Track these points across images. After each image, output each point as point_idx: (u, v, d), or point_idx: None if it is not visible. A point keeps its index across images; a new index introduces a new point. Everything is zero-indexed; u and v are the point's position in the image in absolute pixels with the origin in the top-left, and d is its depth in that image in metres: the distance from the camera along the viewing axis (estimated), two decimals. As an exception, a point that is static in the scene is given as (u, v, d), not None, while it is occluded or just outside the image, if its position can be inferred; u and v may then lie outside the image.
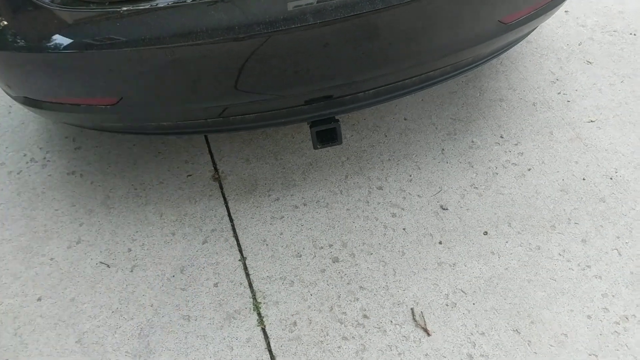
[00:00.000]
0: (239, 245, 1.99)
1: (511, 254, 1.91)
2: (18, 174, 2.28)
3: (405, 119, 2.35)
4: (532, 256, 1.90)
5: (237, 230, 2.03)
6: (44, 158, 2.33)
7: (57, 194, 2.19)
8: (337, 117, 1.92)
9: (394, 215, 2.04)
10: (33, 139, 2.41)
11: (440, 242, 1.95)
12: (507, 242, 1.95)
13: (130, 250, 2.00)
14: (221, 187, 2.18)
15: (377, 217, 2.03)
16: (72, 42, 1.55)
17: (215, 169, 2.24)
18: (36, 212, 2.14)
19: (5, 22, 1.59)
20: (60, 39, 1.56)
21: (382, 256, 1.92)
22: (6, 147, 2.38)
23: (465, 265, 1.89)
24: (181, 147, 2.33)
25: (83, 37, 1.55)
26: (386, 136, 2.30)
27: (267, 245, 1.98)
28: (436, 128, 2.31)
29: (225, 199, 2.14)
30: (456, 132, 2.29)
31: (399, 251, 1.93)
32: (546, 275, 1.86)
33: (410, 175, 2.15)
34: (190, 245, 2.00)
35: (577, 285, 1.84)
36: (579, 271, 1.87)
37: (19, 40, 1.58)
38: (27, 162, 2.32)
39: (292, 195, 2.13)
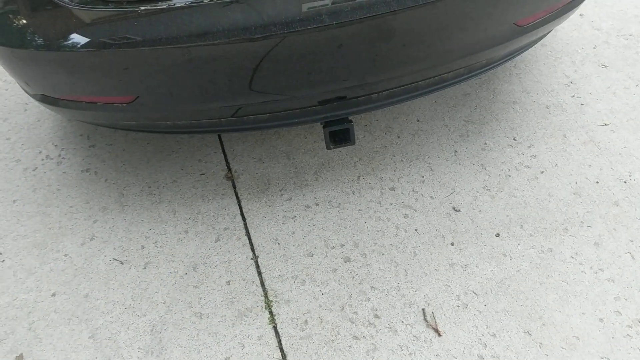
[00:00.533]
0: (251, 243, 2.01)
1: (523, 256, 1.91)
2: (33, 170, 2.30)
3: (418, 121, 2.36)
4: (544, 258, 1.90)
5: (249, 229, 2.05)
6: (59, 155, 2.36)
7: (72, 191, 2.22)
8: (350, 118, 1.93)
9: (406, 216, 2.04)
10: (48, 137, 2.44)
11: (452, 244, 1.95)
12: (519, 244, 1.94)
13: (143, 247, 2.02)
14: (234, 186, 2.19)
15: (389, 218, 2.04)
16: (90, 41, 1.56)
17: (229, 168, 2.26)
18: (51, 208, 2.16)
19: (25, 21, 1.62)
20: (78, 38, 1.57)
21: (394, 257, 1.93)
22: (22, 144, 2.41)
23: (477, 267, 1.89)
24: (195, 146, 2.35)
25: (101, 36, 1.57)
26: (399, 137, 2.30)
27: (279, 244, 2.00)
28: (449, 130, 2.32)
29: (238, 197, 2.15)
30: (469, 134, 2.29)
31: (410, 252, 1.94)
32: (558, 277, 1.85)
33: (423, 177, 2.16)
34: (203, 243, 2.01)
35: (589, 288, 1.83)
36: (591, 274, 1.87)
37: (37, 39, 1.60)
38: (42, 159, 2.34)
39: (304, 195, 2.14)
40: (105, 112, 1.83)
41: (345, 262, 1.93)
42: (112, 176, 2.26)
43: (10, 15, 1.62)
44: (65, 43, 1.58)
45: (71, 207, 2.16)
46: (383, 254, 1.94)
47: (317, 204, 2.10)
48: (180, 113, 1.85)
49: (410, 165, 2.20)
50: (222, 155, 2.31)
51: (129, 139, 2.40)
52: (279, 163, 2.26)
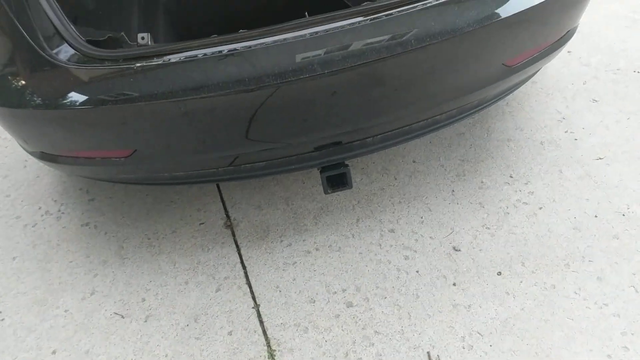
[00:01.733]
0: (252, 292, 1.99)
1: (526, 293, 1.90)
2: (33, 226, 2.31)
3: (414, 162, 2.38)
4: (548, 295, 1.89)
5: (250, 277, 2.04)
6: (59, 210, 2.37)
7: (72, 246, 2.22)
8: (346, 162, 1.95)
9: (406, 257, 2.04)
10: (48, 192, 2.45)
11: (454, 284, 1.94)
12: (521, 281, 1.93)
13: (144, 300, 2.01)
14: (233, 234, 2.19)
15: (390, 260, 2.03)
16: (87, 99, 1.59)
17: (228, 217, 2.26)
18: (51, 264, 2.16)
19: (24, 82, 1.65)
20: (76, 96, 1.60)
21: (397, 300, 1.92)
22: (22, 201, 2.42)
23: (480, 307, 1.88)
24: (193, 196, 2.36)
25: (98, 93, 1.60)
26: (396, 179, 2.32)
27: (280, 291, 1.98)
28: (445, 170, 2.33)
29: (237, 246, 2.15)
30: (465, 173, 2.31)
31: (413, 294, 1.93)
32: (563, 314, 1.84)
33: (422, 217, 2.16)
34: (203, 294, 2.00)
35: (595, 324, 1.81)
36: (596, 309, 1.85)
37: (36, 98, 1.63)
38: (42, 215, 2.35)
39: (304, 240, 2.14)
40: (103, 167, 1.84)
41: (348, 307, 1.91)
42: (111, 229, 2.26)
43: (9, 77, 1.66)
44: (64, 101, 1.60)
45: (71, 261, 2.16)
46: (385, 297, 1.92)
47: (317, 249, 2.10)
48: (178, 164, 1.86)
49: (408, 206, 2.20)
50: (221, 203, 2.32)
51: (128, 192, 2.41)
52: (277, 209, 2.27)
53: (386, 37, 1.61)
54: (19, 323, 1.97)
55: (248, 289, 2.00)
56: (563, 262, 1.98)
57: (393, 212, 2.19)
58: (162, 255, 2.15)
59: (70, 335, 1.93)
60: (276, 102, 1.64)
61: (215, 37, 1.66)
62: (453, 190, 2.25)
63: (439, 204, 2.20)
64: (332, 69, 1.59)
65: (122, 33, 1.71)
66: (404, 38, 1.61)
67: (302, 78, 1.58)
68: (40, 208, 2.38)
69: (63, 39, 1.60)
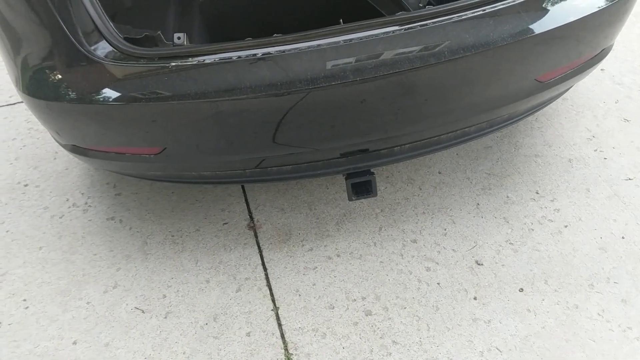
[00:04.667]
0: (272, 294, 2.00)
1: (548, 312, 1.88)
2: (60, 218, 2.35)
3: (439, 173, 2.37)
4: (570, 315, 1.86)
5: (270, 280, 2.05)
6: (85, 203, 2.40)
7: (97, 239, 2.25)
8: (372, 170, 1.95)
9: (428, 269, 2.03)
10: (76, 185, 2.49)
11: (475, 298, 1.93)
12: (543, 299, 1.91)
13: (165, 296, 2.03)
14: (256, 236, 2.21)
15: (411, 271, 2.02)
16: (121, 95, 1.62)
17: (251, 218, 2.28)
18: (75, 256, 2.19)
19: (60, 75, 1.68)
20: (110, 92, 1.63)
21: (416, 310, 1.91)
22: (50, 192, 2.47)
23: (500, 322, 1.86)
24: (218, 196, 2.38)
25: (132, 91, 1.62)
26: (420, 189, 2.31)
27: (299, 295, 1.99)
28: (471, 182, 2.32)
29: (259, 247, 2.16)
30: (491, 187, 2.29)
31: (433, 306, 1.92)
32: (585, 335, 1.81)
33: (445, 229, 2.15)
34: (224, 293, 2.02)
35: (618, 347, 1.78)
36: (619, 332, 1.82)
37: (72, 92, 1.66)
38: (69, 207, 2.39)
39: (325, 245, 2.14)
40: (133, 163, 1.87)
41: (367, 316, 1.91)
42: (136, 224, 2.29)
43: (46, 70, 1.69)
44: (98, 97, 1.63)
45: (95, 254, 2.19)
46: (405, 308, 1.92)
47: (338, 255, 2.10)
48: (206, 164, 1.88)
49: (432, 218, 2.19)
50: (245, 205, 2.34)
51: (154, 188, 2.44)
52: (300, 213, 2.27)
53: (420, 47, 1.62)
54: (42, 312, 2.01)
55: (268, 291, 2.01)
56: (587, 282, 1.95)
57: (416, 223, 2.18)
58: (185, 253, 2.17)
59: (91, 327, 1.95)
60: (306, 107, 1.65)
61: (249, 40, 1.68)
62: (478, 204, 2.23)
63: (463, 216, 2.19)
64: (364, 76, 1.59)
65: (159, 32, 1.73)
66: (438, 49, 1.61)
67: (333, 85, 1.59)
68: (67, 200, 2.42)
69: (102, 36, 1.63)
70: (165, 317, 1.96)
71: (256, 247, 2.17)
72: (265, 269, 2.09)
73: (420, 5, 2.24)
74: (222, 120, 1.67)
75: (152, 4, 2.25)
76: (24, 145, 2.72)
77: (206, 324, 1.93)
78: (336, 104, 1.66)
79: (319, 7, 2.41)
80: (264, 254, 2.14)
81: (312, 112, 1.67)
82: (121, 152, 1.83)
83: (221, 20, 2.42)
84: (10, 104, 3.00)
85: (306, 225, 2.22)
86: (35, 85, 1.69)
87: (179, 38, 1.73)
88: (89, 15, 1.64)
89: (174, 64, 1.61)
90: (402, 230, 2.16)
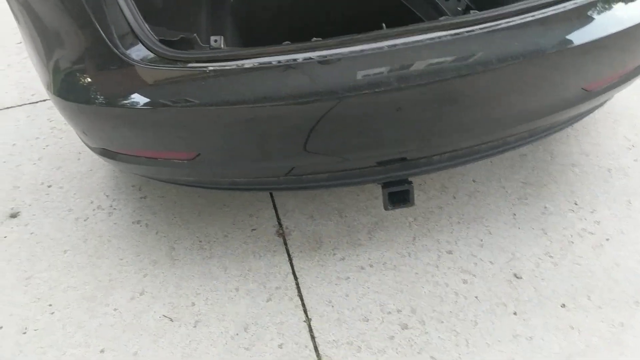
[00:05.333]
0: (303, 305, 1.95)
1: (592, 329, 1.81)
2: (85, 220, 2.30)
3: (474, 181, 2.30)
4: (616, 333, 1.80)
5: (301, 289, 1.99)
6: (110, 206, 2.36)
7: (122, 243, 2.20)
8: (410, 179, 1.89)
9: (465, 281, 1.96)
10: (100, 187, 2.45)
11: (514, 313, 1.86)
12: (586, 316, 1.84)
13: (193, 304, 1.98)
14: (285, 243, 2.15)
15: (448, 283, 1.96)
16: (158, 99, 1.57)
17: (280, 225, 2.22)
18: (101, 260, 2.15)
19: (94, 78, 1.63)
20: (145, 95, 1.59)
21: (454, 325, 1.85)
22: (74, 194, 2.42)
23: (542, 340, 1.80)
24: (246, 201, 2.32)
25: (169, 95, 1.58)
26: (454, 198, 2.25)
27: (332, 306, 1.93)
28: (506, 192, 2.25)
29: (289, 255, 2.11)
30: (527, 197, 2.22)
31: (471, 320, 1.86)
32: (632, 355, 1.74)
33: (481, 240, 2.09)
34: (254, 302, 1.96)
35: (665, 368, 1.72)
36: (666, 353, 1.75)
37: (104, 96, 1.61)
38: (93, 210, 2.35)
39: (357, 255, 2.08)
40: (165, 168, 1.82)
41: (403, 329, 1.85)
42: (163, 229, 2.24)
43: (78, 73, 1.64)
44: (132, 100, 1.59)
45: (121, 259, 2.14)
46: (442, 322, 1.86)
47: (371, 265, 2.04)
48: (240, 171, 1.83)
49: (467, 228, 2.13)
50: (273, 211, 2.28)
51: (180, 192, 2.39)
52: (330, 221, 2.22)
53: (467, 54, 1.56)
54: (68, 318, 1.96)
55: (299, 302, 1.96)
56: (632, 299, 1.88)
57: (451, 233, 2.12)
58: (213, 260, 2.11)
59: (118, 334, 1.91)
60: (348, 115, 1.60)
61: (288, 44, 1.62)
62: (514, 214, 2.17)
63: (499, 227, 2.13)
64: (408, 84, 1.54)
65: (195, 34, 1.68)
66: (486, 56, 1.55)
67: (376, 92, 1.53)
68: (92, 202, 2.38)
69: (137, 38, 1.58)
70: (195, 326, 1.91)
71: (286, 255, 2.11)
72: (295, 277, 2.03)
73: (459, 9, 2.18)
74: (261, 126, 1.62)
75: (182, 4, 2.20)
76: (47, 145, 2.68)
77: (237, 334, 1.88)
78: (379, 112, 1.60)
79: (352, 10, 2.35)
80: (294, 262, 2.08)
81: (354, 119, 1.62)
82: (153, 157, 1.78)
83: (252, 21, 2.36)
84: (32, 102, 2.96)
85: (337, 233, 2.17)
86: (68, 88, 1.65)
87: (215, 41, 1.68)
88: (124, 16, 1.59)
89: (212, 68, 1.55)
90: (436, 240, 2.10)
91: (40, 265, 2.14)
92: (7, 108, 2.93)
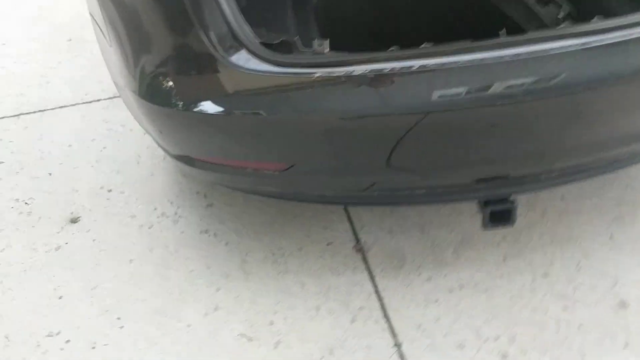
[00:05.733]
0: (391, 328, 1.82)
1: None
2: (149, 228, 2.19)
3: (562, 198, 2.17)
4: None
5: (387, 311, 1.87)
6: (175, 213, 2.25)
7: (191, 254, 2.09)
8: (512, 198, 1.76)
9: (565, 308, 1.83)
10: (163, 192, 2.34)
11: (626, 346, 1.73)
12: None
13: (272, 323, 1.86)
14: (365, 260, 2.03)
15: (546, 310, 1.83)
16: (258, 106, 1.46)
17: (357, 239, 2.10)
18: (170, 271, 2.03)
19: (187, 82, 1.52)
20: (246, 102, 1.47)
21: (559, 356, 1.71)
22: (136, 199, 2.31)
23: (659, 378, 1.66)
24: (318, 212, 2.20)
25: (270, 102, 1.46)
26: (543, 216, 2.11)
27: (423, 331, 1.81)
28: (600, 211, 2.11)
29: (371, 273, 1.98)
30: (624, 217, 2.08)
31: (578, 352, 1.72)
32: None
33: (579, 263, 1.95)
34: (337, 323, 1.84)
35: None
36: None
37: (195, 100, 1.49)
38: (157, 217, 2.24)
39: (445, 275, 1.95)
40: (251, 177, 1.71)
41: (503, 359, 1.72)
42: (232, 239, 2.13)
43: (169, 76, 1.53)
44: (232, 107, 1.47)
45: (191, 271, 2.03)
46: (546, 352, 1.72)
47: (461, 287, 1.91)
48: (332, 184, 1.72)
49: (561, 249, 1.99)
50: (348, 223, 2.16)
51: (248, 200, 2.27)
52: (412, 236, 2.09)
53: (598, 65, 1.42)
54: (139, 333, 1.85)
55: (386, 324, 1.83)
56: None
57: (545, 254, 1.98)
58: (289, 275, 1.99)
59: (194, 353, 1.79)
60: (455, 128, 1.48)
61: (399, 49, 1.50)
62: (612, 235, 2.03)
63: (596, 249, 1.99)
64: (529, 97, 1.41)
65: (297, 37, 1.56)
66: (619, 68, 1.42)
67: (498, 104, 1.41)
68: (155, 209, 2.27)
69: (237, 40, 1.46)
70: (275, 348, 1.79)
71: (366, 272, 1.99)
72: (380, 298, 1.91)
73: (559, 17, 2.04)
74: (363, 137, 1.50)
75: (266, 4, 2.08)
76: (104, 147, 2.57)
77: (322, 357, 1.76)
78: (497, 125, 1.48)
79: (442, 14, 2.22)
80: (377, 280, 1.96)
81: (465, 133, 1.50)
82: (242, 167, 1.66)
83: (336, 23, 2.23)
84: (86, 102, 2.86)
85: (420, 250, 2.04)
86: (157, 92, 1.53)
87: (320, 45, 1.55)
88: (225, 17, 1.47)
89: (318, 74, 1.43)
90: (529, 261, 1.97)
91: (105, 274, 2.03)
92: (61, 107, 2.83)
